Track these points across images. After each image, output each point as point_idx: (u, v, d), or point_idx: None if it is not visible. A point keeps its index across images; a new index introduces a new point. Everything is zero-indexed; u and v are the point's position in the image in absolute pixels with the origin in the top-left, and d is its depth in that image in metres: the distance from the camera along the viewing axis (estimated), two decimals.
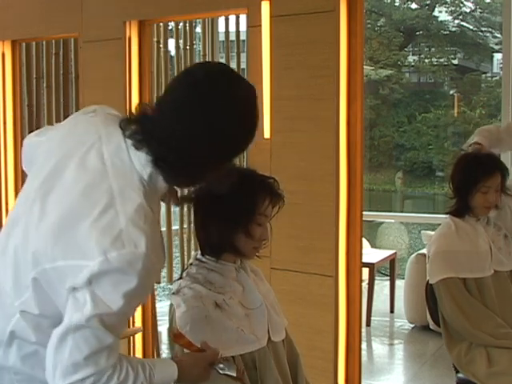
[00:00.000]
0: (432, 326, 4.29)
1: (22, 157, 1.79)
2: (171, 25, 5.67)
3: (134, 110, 1.52)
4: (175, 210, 5.28)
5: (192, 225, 4.57)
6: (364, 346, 4.74)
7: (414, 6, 22.16)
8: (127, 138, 1.48)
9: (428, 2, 21.98)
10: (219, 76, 1.47)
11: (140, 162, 1.46)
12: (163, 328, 4.49)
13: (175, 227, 5.32)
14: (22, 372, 1.54)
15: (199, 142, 1.43)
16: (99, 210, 1.41)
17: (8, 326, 1.51)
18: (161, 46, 5.38)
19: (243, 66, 5.42)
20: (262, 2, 3.00)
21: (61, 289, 1.42)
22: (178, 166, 1.45)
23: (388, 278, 5.77)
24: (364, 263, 3.72)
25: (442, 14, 21.99)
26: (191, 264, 1.92)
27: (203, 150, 1.44)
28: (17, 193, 4.08)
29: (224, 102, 1.44)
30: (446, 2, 21.92)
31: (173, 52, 5.86)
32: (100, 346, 1.39)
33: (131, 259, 1.38)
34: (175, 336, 1.74)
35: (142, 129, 1.46)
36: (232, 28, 5.57)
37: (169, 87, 1.51)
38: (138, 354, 3.64)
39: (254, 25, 3.07)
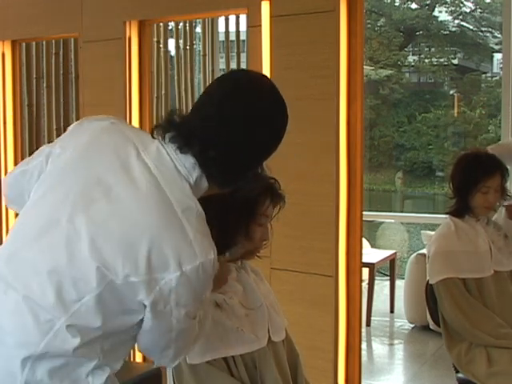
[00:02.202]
0: (432, 326, 4.29)
1: (4, 193, 1.69)
2: (171, 25, 5.68)
3: (163, 117, 1.53)
4: None
5: None
6: (364, 346, 4.73)
7: (414, 5, 22.16)
8: (169, 142, 1.48)
9: (428, 2, 21.98)
10: (264, 86, 1.53)
11: (185, 165, 1.47)
12: None
13: None
14: None
15: (239, 143, 1.47)
16: (164, 224, 1.40)
17: (42, 342, 1.44)
18: (161, 45, 5.39)
19: (243, 66, 5.43)
20: (262, 2, 3.00)
21: (131, 301, 1.42)
22: (221, 166, 1.48)
23: (388, 278, 5.77)
24: (364, 263, 3.72)
25: (442, 13, 21.99)
26: None
27: (243, 150, 1.49)
28: None
29: (267, 113, 1.50)
30: (446, 2, 21.92)
31: (173, 52, 5.87)
32: (194, 334, 1.54)
33: (206, 268, 1.41)
34: None
35: (183, 133, 1.47)
36: (232, 28, 5.59)
37: (210, 91, 1.55)
38: (138, 354, 3.63)
39: (253, 25, 3.07)
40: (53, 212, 1.46)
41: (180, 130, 1.48)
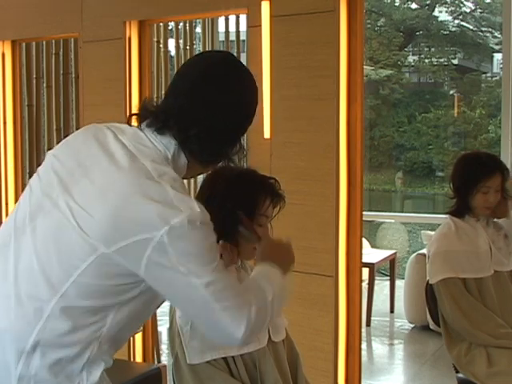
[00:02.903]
0: (432, 326, 4.30)
1: None
2: (171, 25, 5.68)
3: (136, 107, 1.61)
4: None
5: None
6: (364, 346, 4.73)
7: (414, 5, 22.17)
8: (146, 127, 1.55)
9: (428, 2, 21.99)
10: (232, 63, 1.61)
11: (161, 142, 1.53)
12: (163, 328, 4.49)
13: None
14: (44, 380, 1.49)
15: (217, 116, 1.54)
16: (143, 185, 1.44)
17: (32, 335, 1.46)
18: (161, 45, 5.39)
19: None
20: (262, 2, 3.00)
21: (125, 269, 1.44)
22: (201, 142, 1.53)
23: (388, 278, 5.77)
24: (364, 263, 3.72)
25: (442, 13, 22.00)
26: None
27: (222, 123, 1.55)
28: (17, 193, 4.08)
29: (234, 79, 1.57)
30: (446, 2, 21.93)
31: (173, 52, 5.87)
32: (233, 284, 1.48)
33: (193, 219, 1.42)
34: None
35: (159, 116, 1.54)
36: (232, 28, 5.58)
37: (178, 73, 1.61)
38: (138, 354, 3.64)
39: (253, 25, 3.07)
40: (36, 202, 1.53)
41: (156, 114, 1.55)
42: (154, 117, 1.54)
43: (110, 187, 1.45)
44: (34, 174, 1.61)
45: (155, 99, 1.60)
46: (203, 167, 1.65)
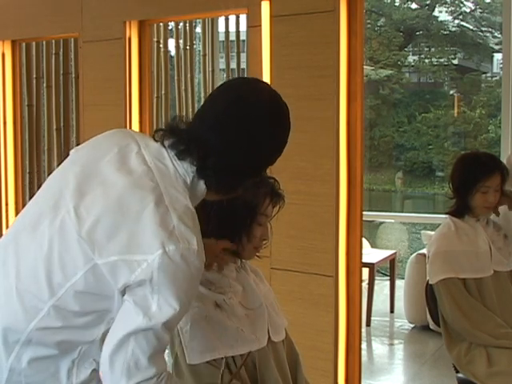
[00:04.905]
0: (432, 325, 4.29)
1: None
2: (171, 25, 5.68)
3: (167, 123, 1.56)
4: None
5: None
6: (364, 345, 4.73)
7: (414, 5, 22.17)
8: (169, 147, 1.51)
9: (428, 2, 21.99)
10: (265, 97, 1.55)
11: (183, 168, 1.50)
12: None
13: None
14: (32, 374, 1.52)
15: (239, 153, 1.51)
16: (151, 206, 1.41)
17: (28, 327, 1.48)
18: (161, 46, 5.39)
19: (243, 66, 5.43)
20: (262, 2, 3.00)
21: (111, 285, 1.42)
22: (219, 175, 1.50)
23: (388, 278, 5.77)
24: (364, 263, 3.72)
25: (442, 13, 22.00)
26: None
27: (243, 160, 1.52)
28: (17, 192, 4.08)
29: (265, 118, 1.52)
30: (445, 2, 21.93)
31: (173, 52, 5.87)
32: (161, 347, 1.42)
33: (186, 255, 1.40)
34: None
35: (183, 139, 1.50)
36: (232, 28, 5.59)
37: (210, 99, 1.58)
38: None
39: (253, 25, 3.07)
40: (50, 201, 1.52)
41: (181, 136, 1.51)
42: (179, 138, 1.51)
43: (119, 202, 1.44)
44: (54, 171, 1.61)
45: (180, 117, 1.56)
46: (219, 196, 1.61)
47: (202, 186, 1.52)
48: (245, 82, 1.65)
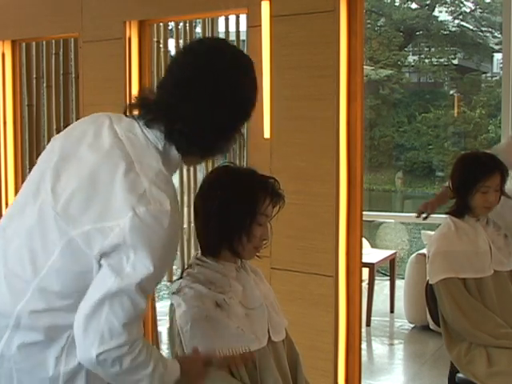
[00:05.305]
0: (432, 325, 4.29)
1: None
2: (171, 25, 5.67)
3: (135, 95, 1.61)
4: None
5: (192, 225, 4.57)
6: (364, 345, 4.73)
7: (414, 5, 22.18)
8: (138, 119, 1.55)
9: (428, 2, 21.99)
10: (219, 49, 1.57)
11: (154, 135, 1.53)
12: (163, 328, 4.49)
13: None
14: (22, 361, 1.54)
15: (204, 112, 1.52)
16: (121, 174, 1.45)
17: (15, 310, 1.51)
18: (161, 46, 5.39)
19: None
20: (262, 2, 3.00)
21: (88, 256, 1.45)
22: (188, 137, 1.52)
23: (388, 278, 5.76)
24: (364, 263, 3.72)
25: (442, 13, 22.01)
26: (191, 264, 1.93)
27: (210, 118, 1.52)
28: (17, 192, 4.08)
29: (223, 72, 1.53)
30: (445, 2, 21.94)
31: (173, 52, 5.86)
32: (135, 313, 1.43)
33: (158, 215, 1.42)
34: None
35: (151, 109, 1.54)
36: (232, 28, 5.57)
37: (169, 66, 1.60)
38: None
39: (253, 25, 3.07)
40: (33, 188, 1.58)
41: (149, 107, 1.55)
42: (147, 109, 1.55)
43: (91, 175, 1.48)
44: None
45: (149, 90, 1.60)
46: (198, 159, 1.64)
47: (173, 151, 1.55)
48: (198, 43, 1.67)
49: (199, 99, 1.51)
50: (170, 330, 1.85)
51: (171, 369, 1.54)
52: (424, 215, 2.97)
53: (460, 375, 2.69)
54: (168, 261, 1.51)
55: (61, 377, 1.52)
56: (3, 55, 4.04)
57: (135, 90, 3.52)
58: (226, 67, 1.54)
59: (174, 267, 5.33)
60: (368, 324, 5.11)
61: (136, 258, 1.41)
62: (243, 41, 5.24)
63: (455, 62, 21.77)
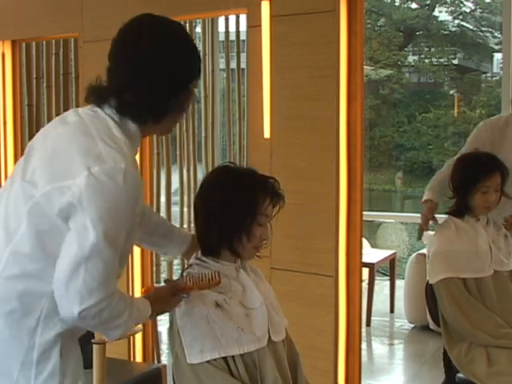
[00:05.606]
0: (432, 325, 4.29)
1: None
2: None
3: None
4: (175, 209, 5.28)
5: (192, 225, 4.57)
6: (364, 345, 4.73)
7: (414, 5, 22.18)
8: (94, 103, 1.69)
9: (428, 2, 21.99)
10: (148, 18, 1.87)
11: (111, 111, 1.65)
12: (163, 328, 4.49)
13: None
14: (1, 330, 1.63)
15: (143, 78, 1.64)
16: (79, 139, 1.58)
17: None
18: None
19: (243, 65, 5.43)
20: (262, 2, 3.00)
21: (51, 216, 1.54)
22: (137, 105, 1.63)
23: (388, 278, 5.76)
24: (364, 263, 3.72)
25: (442, 13, 22.00)
26: (191, 264, 1.93)
27: (151, 83, 1.64)
28: None
29: (154, 37, 1.72)
30: (445, 2, 21.93)
31: None
32: (109, 271, 1.53)
33: (112, 173, 1.51)
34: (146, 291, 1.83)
35: (102, 91, 1.69)
36: (232, 28, 5.57)
37: (110, 49, 1.80)
38: (138, 354, 3.64)
39: (253, 25, 3.07)
40: (9, 180, 1.72)
41: (100, 90, 1.70)
42: (98, 92, 1.69)
43: (53, 147, 1.62)
44: None
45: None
46: (157, 126, 1.72)
47: (130, 123, 1.65)
48: (129, 21, 1.88)
49: (135, 67, 1.64)
50: (170, 329, 1.85)
51: (143, 309, 1.68)
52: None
53: (460, 375, 2.69)
54: (128, 217, 1.57)
55: (36, 347, 1.61)
56: (3, 55, 4.04)
57: None
58: (154, 32, 1.72)
59: (174, 267, 5.33)
60: (368, 324, 5.11)
61: (95, 215, 1.49)
62: (243, 41, 5.25)
63: (455, 61, 21.77)
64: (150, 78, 1.63)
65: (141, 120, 1.66)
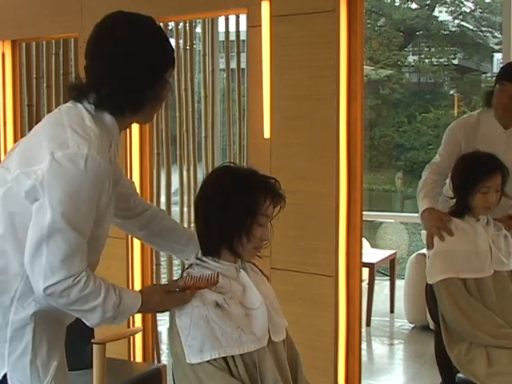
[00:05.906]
0: (432, 325, 4.28)
1: None
2: (171, 25, 5.67)
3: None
4: (175, 209, 5.28)
5: (192, 225, 4.57)
6: (364, 345, 4.73)
7: (414, 5, 22.17)
8: (75, 100, 1.76)
9: (428, 2, 21.99)
10: (118, 15, 1.91)
11: (88, 106, 1.72)
12: (163, 328, 4.49)
13: None
14: None
15: (117, 73, 1.70)
16: (49, 126, 1.69)
17: None
18: None
19: (243, 65, 5.43)
20: (262, 2, 3.00)
21: (19, 198, 1.64)
22: (113, 98, 1.70)
23: (388, 278, 5.76)
24: (364, 263, 3.72)
25: (442, 13, 22.00)
26: (192, 264, 1.93)
27: (122, 76, 1.70)
28: None
29: (124, 32, 1.77)
30: (445, 2, 21.93)
31: None
32: (70, 249, 1.60)
33: (74, 158, 1.59)
34: None
35: (82, 87, 1.75)
36: (232, 28, 5.57)
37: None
38: (138, 353, 3.64)
39: (253, 25, 3.07)
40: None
41: (79, 87, 1.76)
42: (79, 88, 1.75)
43: (30, 134, 1.74)
44: None
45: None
46: (134, 117, 1.78)
47: (107, 116, 1.72)
48: (100, 22, 1.94)
49: (110, 64, 1.70)
50: (170, 329, 1.85)
51: (129, 298, 1.71)
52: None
53: (460, 375, 2.69)
54: (91, 202, 1.63)
55: (9, 325, 1.70)
56: (3, 55, 4.04)
57: None
58: (126, 29, 1.77)
59: (174, 267, 5.33)
60: (368, 324, 5.11)
61: (54, 197, 1.58)
62: (243, 41, 5.24)
63: (455, 61, 21.76)
64: (125, 74, 1.70)
65: (118, 112, 1.73)
